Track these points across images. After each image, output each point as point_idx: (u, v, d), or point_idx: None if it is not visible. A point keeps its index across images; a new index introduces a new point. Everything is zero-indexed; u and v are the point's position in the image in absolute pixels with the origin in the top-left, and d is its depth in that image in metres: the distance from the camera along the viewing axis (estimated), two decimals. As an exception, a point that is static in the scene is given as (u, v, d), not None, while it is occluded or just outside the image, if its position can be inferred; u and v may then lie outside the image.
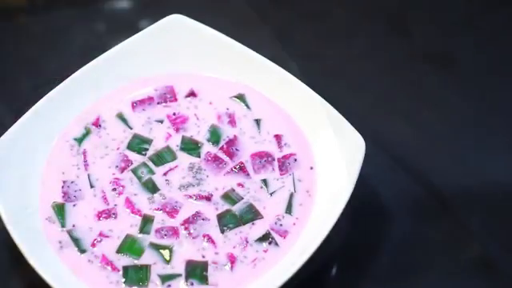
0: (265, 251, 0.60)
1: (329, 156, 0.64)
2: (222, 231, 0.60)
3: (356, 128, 0.63)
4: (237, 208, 0.62)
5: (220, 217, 0.61)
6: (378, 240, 0.66)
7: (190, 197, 0.62)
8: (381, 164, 0.71)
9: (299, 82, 0.66)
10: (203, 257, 0.59)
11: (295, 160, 0.64)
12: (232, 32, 0.70)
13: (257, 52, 0.69)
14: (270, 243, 0.60)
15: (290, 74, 0.67)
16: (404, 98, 0.77)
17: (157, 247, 0.59)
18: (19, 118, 0.64)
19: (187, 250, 0.59)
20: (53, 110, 0.65)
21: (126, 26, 0.83)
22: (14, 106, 0.76)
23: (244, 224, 0.61)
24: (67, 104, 0.66)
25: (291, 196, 0.62)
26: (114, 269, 0.58)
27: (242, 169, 0.64)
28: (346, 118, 0.63)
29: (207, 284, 0.58)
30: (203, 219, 0.61)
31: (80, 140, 0.66)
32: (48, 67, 0.80)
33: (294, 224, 0.61)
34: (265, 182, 0.63)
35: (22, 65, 0.81)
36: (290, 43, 0.83)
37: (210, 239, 0.60)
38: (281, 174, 0.64)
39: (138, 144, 0.65)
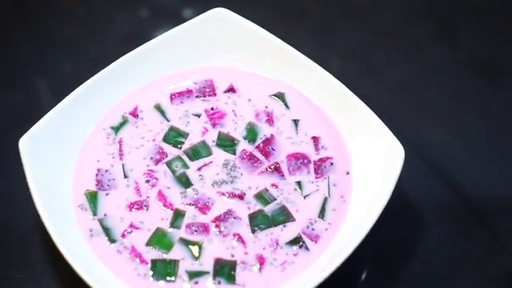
0: (295, 255, 0.59)
1: (366, 162, 0.63)
2: (253, 231, 0.60)
3: (393, 130, 0.61)
4: (269, 209, 0.61)
5: (252, 216, 0.61)
6: (410, 247, 0.65)
7: (223, 194, 0.62)
8: (416, 170, 0.70)
9: (340, 83, 0.65)
10: (232, 256, 0.59)
11: (331, 164, 0.64)
12: (274, 27, 0.70)
13: (297, 49, 0.68)
14: (300, 247, 0.59)
15: (331, 75, 0.66)
16: (445, 104, 0.76)
17: (186, 243, 0.59)
18: (58, 101, 0.64)
19: (217, 247, 0.59)
20: (92, 96, 0.65)
21: (169, 16, 0.83)
22: (54, 89, 0.76)
23: (275, 226, 0.60)
24: (106, 91, 0.66)
25: (325, 200, 0.62)
26: (143, 261, 0.58)
27: (276, 169, 0.63)
28: (384, 120, 0.62)
29: (234, 284, 0.57)
30: (234, 218, 0.60)
31: (117, 129, 0.65)
32: (90, 51, 0.81)
33: (326, 229, 0.60)
34: (299, 184, 0.62)
35: (64, 47, 0.81)
36: (332, 41, 0.81)
37: (240, 239, 0.59)
38: (316, 177, 0.63)
39: (174, 137, 0.65)
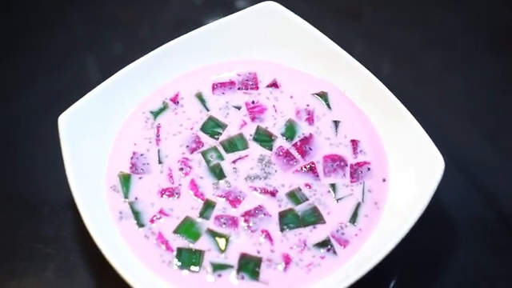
0: (322, 258, 0.58)
1: (404, 171, 0.61)
2: (282, 230, 0.59)
3: (436, 141, 0.60)
4: (300, 208, 0.60)
5: (282, 215, 0.60)
6: (442, 261, 0.63)
7: (255, 189, 0.61)
8: (457, 183, 0.68)
9: (386, 89, 0.64)
10: (258, 252, 0.58)
11: (368, 169, 0.62)
12: (325, 26, 0.69)
13: (347, 50, 0.66)
14: (328, 250, 0.58)
15: (378, 80, 0.64)
16: (493, 118, 0.74)
17: (214, 234, 0.59)
18: (105, 79, 0.64)
19: (243, 242, 0.58)
20: (134, 79, 0.65)
21: (222, 5, 0.83)
22: (103, 69, 0.77)
23: (305, 226, 0.59)
24: (149, 75, 0.66)
25: (358, 205, 0.60)
26: (169, 248, 0.58)
27: (312, 169, 0.62)
28: (428, 130, 0.61)
29: (258, 280, 0.57)
30: (264, 214, 0.60)
31: (156, 114, 0.65)
32: (141, 34, 0.81)
33: (356, 235, 0.59)
34: (333, 186, 0.61)
35: (117, 28, 0.81)
36: (384, 46, 0.80)
37: (268, 236, 0.59)
38: (351, 181, 0.62)
39: (212, 127, 0.65)
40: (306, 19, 0.68)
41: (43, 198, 0.67)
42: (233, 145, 0.64)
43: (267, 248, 0.58)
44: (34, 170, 0.69)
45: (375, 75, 0.65)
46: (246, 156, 0.63)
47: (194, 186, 0.61)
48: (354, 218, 0.60)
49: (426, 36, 0.81)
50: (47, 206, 0.66)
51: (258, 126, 0.65)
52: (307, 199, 0.61)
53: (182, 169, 0.62)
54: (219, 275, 0.57)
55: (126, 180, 0.61)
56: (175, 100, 0.66)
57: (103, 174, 0.61)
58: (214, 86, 0.67)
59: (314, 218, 0.60)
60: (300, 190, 0.61)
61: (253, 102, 0.66)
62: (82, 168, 0.60)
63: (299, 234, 0.59)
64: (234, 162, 0.63)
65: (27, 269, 0.62)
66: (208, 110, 0.66)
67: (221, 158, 0.63)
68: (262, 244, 0.58)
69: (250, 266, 0.57)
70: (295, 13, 0.68)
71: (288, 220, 0.60)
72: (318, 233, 0.59)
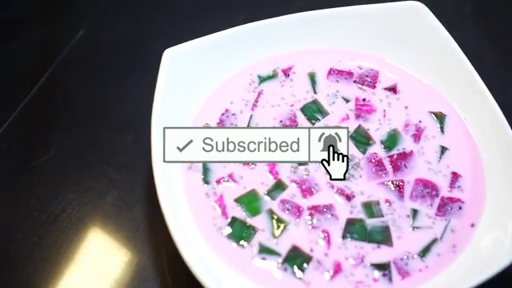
0: (374, 280, 0.53)
1: (498, 221, 0.55)
2: (344, 237, 0.55)
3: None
4: (371, 222, 0.55)
5: (350, 222, 0.55)
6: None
7: (332, 187, 0.57)
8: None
9: (511, 133, 0.57)
10: (311, 250, 0.54)
11: (460, 208, 0.56)
12: (484, 53, 0.63)
13: (497, 84, 0.61)
14: (384, 275, 0.53)
15: (506, 121, 0.58)
16: None
17: (273, 216, 0.55)
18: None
19: (300, 235, 0.55)
20: (253, 38, 0.63)
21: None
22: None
23: (369, 242, 0.54)
24: (270, 40, 0.63)
25: (434, 241, 0.55)
26: (224, 214, 0.55)
27: (399, 187, 0.57)
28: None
29: (300, 279, 0.53)
30: (332, 215, 0.55)
31: (263, 79, 0.63)
32: (297, 4, 0.79)
33: (421, 270, 0.53)
34: (415, 212, 0.56)
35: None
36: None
37: (328, 238, 0.54)
38: (436, 214, 0.56)
39: (313, 111, 0.61)
40: (463, 40, 0.62)
41: (132, 126, 0.66)
42: (327, 135, 0.60)
43: (322, 250, 0.54)
44: (135, 97, 0.68)
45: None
46: (336, 151, 0.59)
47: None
48: (424, 253, 0.54)
49: None
50: (132, 135, 0.65)
51: (359, 125, 0.60)
52: (382, 216, 0.56)
53: (266, 141, 0.59)
54: (263, 258, 0.54)
55: (208, 133, 0.59)
56: (287, 72, 0.63)
57: (189, 121, 0.60)
58: (331, 71, 0.63)
59: (381, 236, 0.55)
60: (378, 203, 0.56)
61: (363, 100, 0.62)
62: (171, 107, 0.58)
63: (360, 247, 0.54)
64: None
65: (91, 187, 0.62)
66: (315, 93, 0.62)
67: (309, 143, 0.59)
68: (317, 243, 0.54)
69: (298, 260, 0.53)
70: (453, 30, 0.63)
71: (354, 229, 0.55)
72: (380, 253, 0.54)
